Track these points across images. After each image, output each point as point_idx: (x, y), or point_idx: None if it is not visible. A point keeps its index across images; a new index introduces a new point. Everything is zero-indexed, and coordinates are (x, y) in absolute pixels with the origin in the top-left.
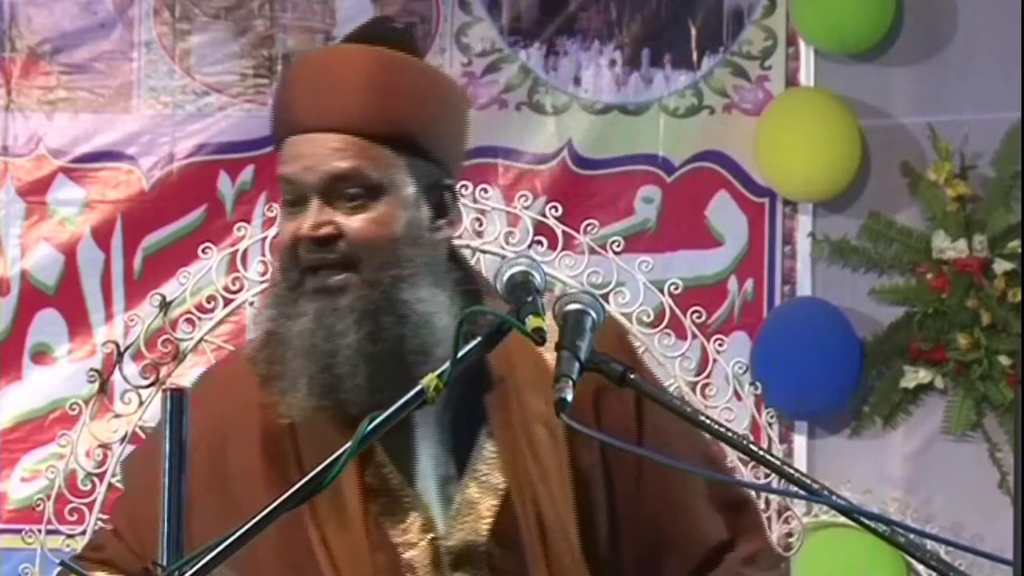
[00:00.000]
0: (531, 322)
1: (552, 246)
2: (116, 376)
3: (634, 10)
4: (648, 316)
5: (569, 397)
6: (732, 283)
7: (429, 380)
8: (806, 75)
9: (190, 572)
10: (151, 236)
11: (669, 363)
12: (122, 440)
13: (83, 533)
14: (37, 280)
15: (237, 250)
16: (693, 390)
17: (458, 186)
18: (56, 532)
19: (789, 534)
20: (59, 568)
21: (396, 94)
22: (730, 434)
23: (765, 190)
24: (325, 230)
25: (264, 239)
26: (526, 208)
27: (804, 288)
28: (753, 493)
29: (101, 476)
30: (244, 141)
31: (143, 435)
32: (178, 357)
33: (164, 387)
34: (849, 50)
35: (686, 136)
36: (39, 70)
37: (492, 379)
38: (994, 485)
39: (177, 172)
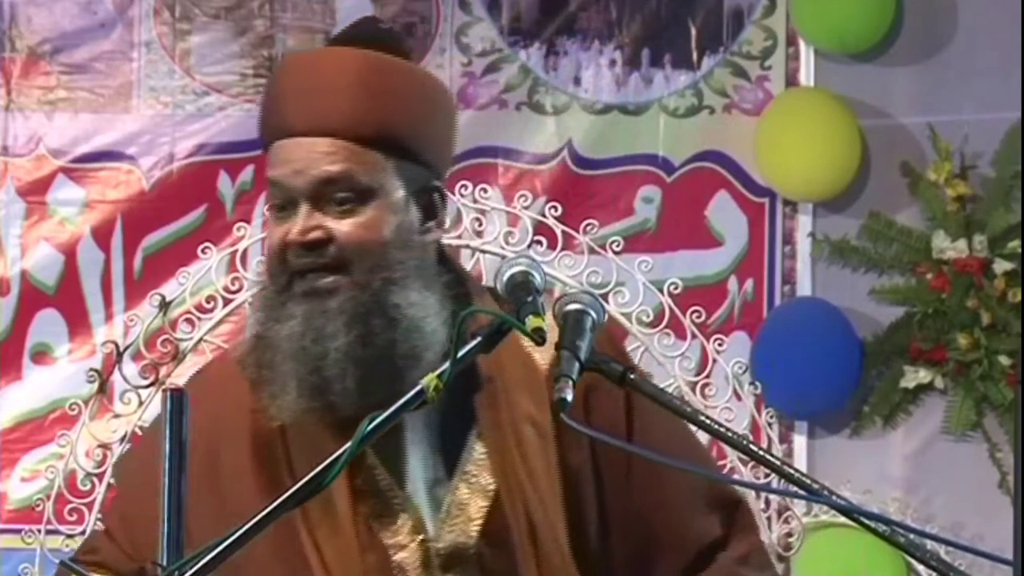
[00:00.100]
0: (531, 322)
1: (552, 246)
2: (116, 376)
3: (634, 10)
4: (648, 316)
5: (569, 397)
6: (732, 283)
7: (429, 380)
8: (806, 75)
9: (190, 572)
10: (151, 236)
11: (669, 363)
12: (122, 440)
13: (83, 533)
14: (37, 280)
15: (237, 250)
16: (693, 390)
17: (447, 188)
18: (56, 532)
19: (789, 534)
20: (58, 567)
21: (384, 97)
22: (730, 434)
23: (765, 190)
24: (314, 235)
25: (264, 239)
26: (526, 208)
27: (804, 288)
28: (751, 493)
29: (101, 476)
30: (244, 141)
31: (142, 435)
32: (178, 357)
33: (164, 387)
34: (849, 50)
35: (686, 136)
36: (39, 70)
37: (481, 379)
38: (994, 485)
39: (177, 172)
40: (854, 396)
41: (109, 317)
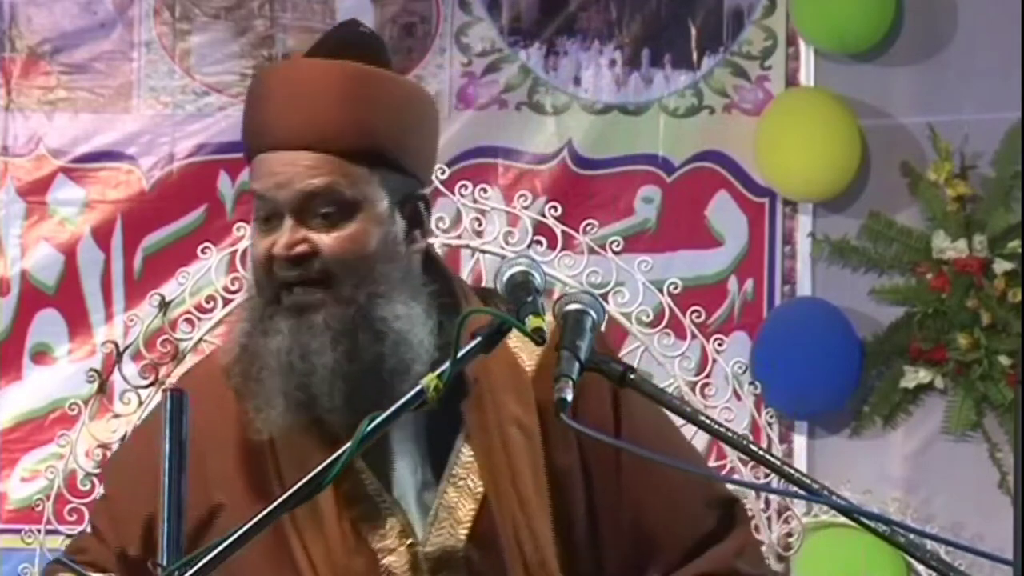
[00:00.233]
0: (531, 322)
1: (552, 246)
2: (116, 376)
3: (634, 10)
4: (648, 316)
5: (569, 397)
6: (732, 283)
7: (429, 380)
8: (806, 75)
9: (190, 572)
10: (151, 236)
11: (669, 363)
12: (122, 440)
13: (82, 533)
14: (37, 280)
15: (237, 250)
16: (693, 390)
17: (448, 189)
18: (56, 532)
19: (789, 534)
20: (50, 565)
21: (367, 109)
22: (730, 434)
23: (765, 190)
24: (300, 248)
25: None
26: (526, 208)
27: (804, 288)
28: (751, 493)
29: (101, 476)
30: None
31: (130, 435)
32: (177, 357)
33: (164, 387)
34: (849, 50)
35: (686, 136)
36: (39, 70)
37: (467, 382)
38: (994, 485)
39: (177, 172)
40: (854, 396)
41: (109, 317)
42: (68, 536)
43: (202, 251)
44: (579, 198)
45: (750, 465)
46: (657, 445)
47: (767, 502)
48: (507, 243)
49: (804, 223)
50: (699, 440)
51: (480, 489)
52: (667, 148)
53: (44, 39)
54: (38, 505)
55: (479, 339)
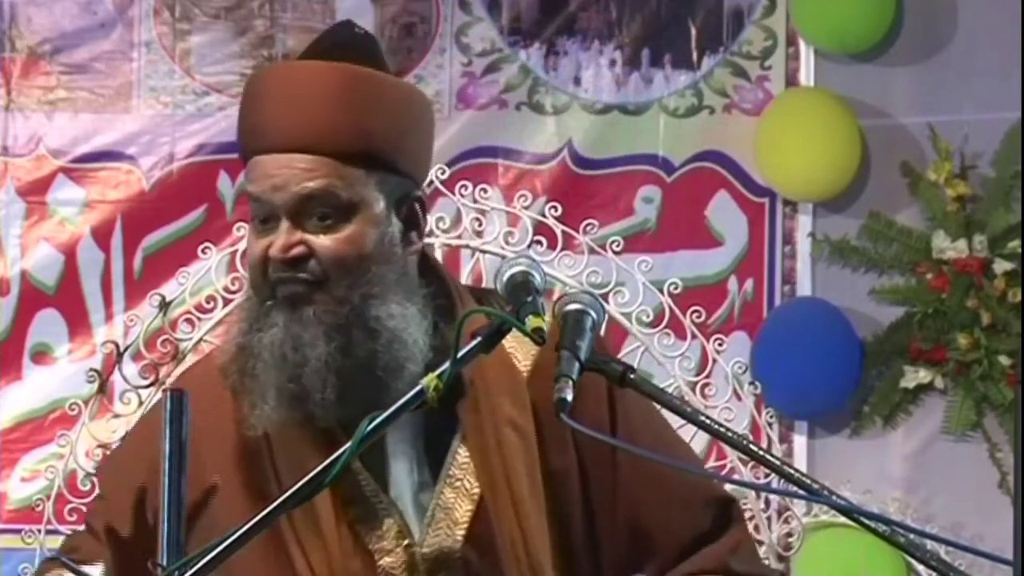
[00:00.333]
0: (531, 322)
1: (552, 246)
2: (116, 376)
3: (634, 10)
4: (648, 316)
5: (569, 397)
6: (732, 283)
7: (429, 380)
8: (806, 75)
9: (190, 572)
10: (151, 236)
11: (669, 363)
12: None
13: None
14: (37, 280)
15: (237, 250)
16: (693, 390)
17: (448, 189)
18: (56, 532)
19: (789, 534)
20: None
21: (362, 112)
22: (730, 434)
23: (765, 190)
24: (296, 251)
25: (244, 250)
26: (526, 208)
27: (804, 288)
28: (751, 493)
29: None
30: None
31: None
32: (178, 357)
33: (164, 387)
34: (849, 50)
35: (686, 136)
36: (39, 70)
37: (463, 383)
38: (994, 485)
39: (177, 172)
40: (854, 396)
41: (109, 317)
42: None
43: (202, 251)
44: (579, 198)
45: (750, 465)
46: (653, 444)
47: (767, 502)
48: (507, 243)
49: (804, 223)
50: (699, 440)
51: (477, 490)
52: (667, 148)
53: (44, 39)
54: (38, 505)
55: (479, 339)
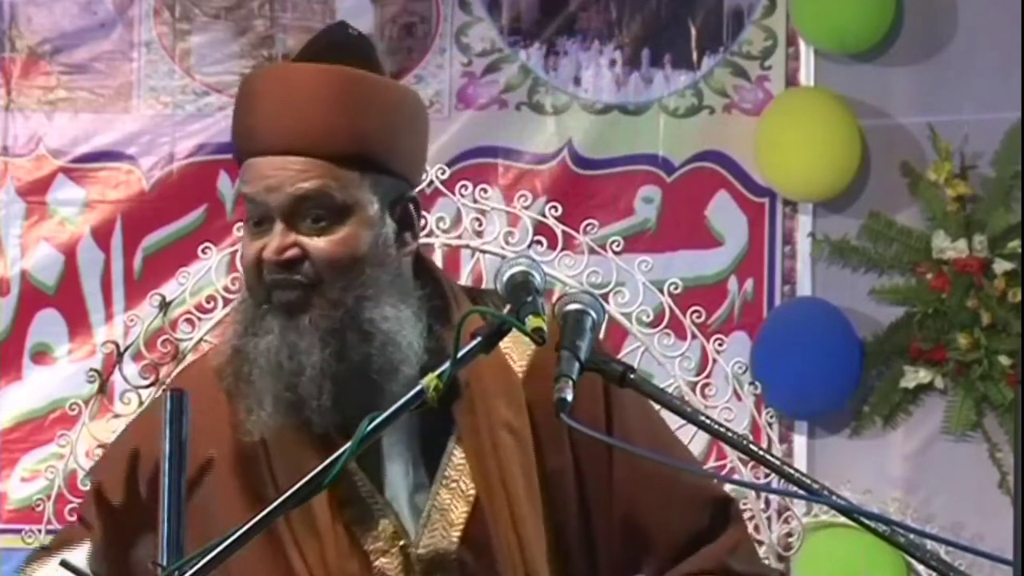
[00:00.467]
0: (531, 322)
1: (552, 246)
2: (116, 376)
3: (634, 10)
4: (648, 316)
5: (569, 397)
6: (732, 283)
7: (429, 380)
8: (806, 75)
9: (190, 572)
10: (151, 236)
11: (669, 363)
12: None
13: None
14: (37, 280)
15: (237, 250)
16: (693, 390)
17: (448, 189)
18: (56, 532)
19: (789, 534)
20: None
21: (356, 114)
22: (730, 434)
23: (765, 190)
24: (290, 253)
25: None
26: (526, 208)
27: (804, 288)
28: (751, 493)
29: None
30: None
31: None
32: (178, 357)
33: (164, 387)
34: (849, 50)
35: (686, 136)
36: (39, 70)
37: (459, 384)
38: (994, 485)
39: (177, 172)
40: (854, 396)
41: (109, 317)
42: None
43: (202, 251)
44: (579, 198)
45: (750, 465)
46: (649, 443)
47: (767, 502)
48: (507, 243)
49: (804, 223)
50: (699, 440)
51: (472, 491)
52: (667, 148)
53: (44, 39)
54: (38, 505)
55: (479, 339)
